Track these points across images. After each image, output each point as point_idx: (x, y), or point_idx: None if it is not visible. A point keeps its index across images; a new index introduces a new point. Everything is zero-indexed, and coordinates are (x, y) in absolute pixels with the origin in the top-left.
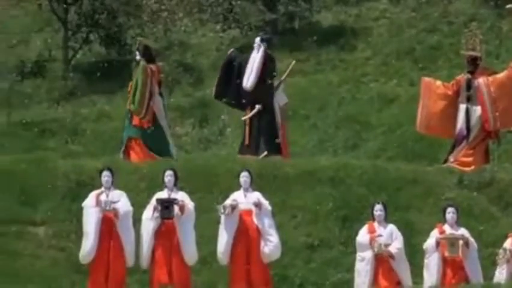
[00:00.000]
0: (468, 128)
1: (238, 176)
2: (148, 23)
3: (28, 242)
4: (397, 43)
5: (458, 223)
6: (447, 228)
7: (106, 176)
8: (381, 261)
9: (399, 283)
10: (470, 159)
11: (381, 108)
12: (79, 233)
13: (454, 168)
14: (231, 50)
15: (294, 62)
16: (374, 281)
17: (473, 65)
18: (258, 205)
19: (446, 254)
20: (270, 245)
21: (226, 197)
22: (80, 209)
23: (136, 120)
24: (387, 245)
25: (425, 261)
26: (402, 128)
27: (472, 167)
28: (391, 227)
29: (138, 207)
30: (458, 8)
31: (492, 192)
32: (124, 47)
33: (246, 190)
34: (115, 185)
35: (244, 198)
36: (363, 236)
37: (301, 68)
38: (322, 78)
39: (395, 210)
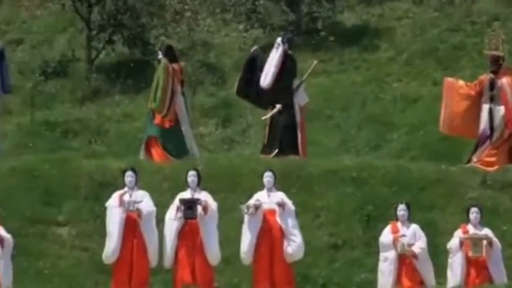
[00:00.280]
0: (491, 128)
1: (262, 176)
2: (171, 23)
3: (51, 242)
4: (420, 43)
5: (482, 223)
6: (470, 228)
7: (129, 176)
8: (405, 261)
9: (422, 283)
10: (493, 159)
11: (404, 108)
12: (102, 233)
13: (477, 168)
14: (254, 47)
15: (316, 62)
16: (397, 281)
17: (496, 65)
18: (281, 205)
19: (470, 254)
20: (293, 245)
21: (250, 197)
22: (104, 209)
23: (158, 119)
24: (410, 245)
25: (449, 261)
26: (425, 128)
27: (496, 167)
28: (414, 227)
29: (161, 208)
30: (481, 8)
31: None
32: (148, 47)
33: (269, 190)
34: (138, 185)
35: (268, 198)
36: (386, 236)
37: (325, 68)
38: (345, 78)
39: (418, 210)
